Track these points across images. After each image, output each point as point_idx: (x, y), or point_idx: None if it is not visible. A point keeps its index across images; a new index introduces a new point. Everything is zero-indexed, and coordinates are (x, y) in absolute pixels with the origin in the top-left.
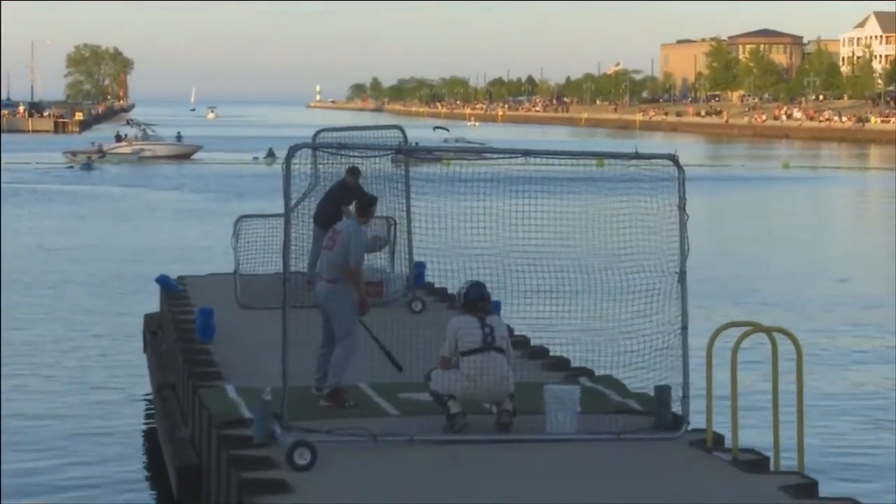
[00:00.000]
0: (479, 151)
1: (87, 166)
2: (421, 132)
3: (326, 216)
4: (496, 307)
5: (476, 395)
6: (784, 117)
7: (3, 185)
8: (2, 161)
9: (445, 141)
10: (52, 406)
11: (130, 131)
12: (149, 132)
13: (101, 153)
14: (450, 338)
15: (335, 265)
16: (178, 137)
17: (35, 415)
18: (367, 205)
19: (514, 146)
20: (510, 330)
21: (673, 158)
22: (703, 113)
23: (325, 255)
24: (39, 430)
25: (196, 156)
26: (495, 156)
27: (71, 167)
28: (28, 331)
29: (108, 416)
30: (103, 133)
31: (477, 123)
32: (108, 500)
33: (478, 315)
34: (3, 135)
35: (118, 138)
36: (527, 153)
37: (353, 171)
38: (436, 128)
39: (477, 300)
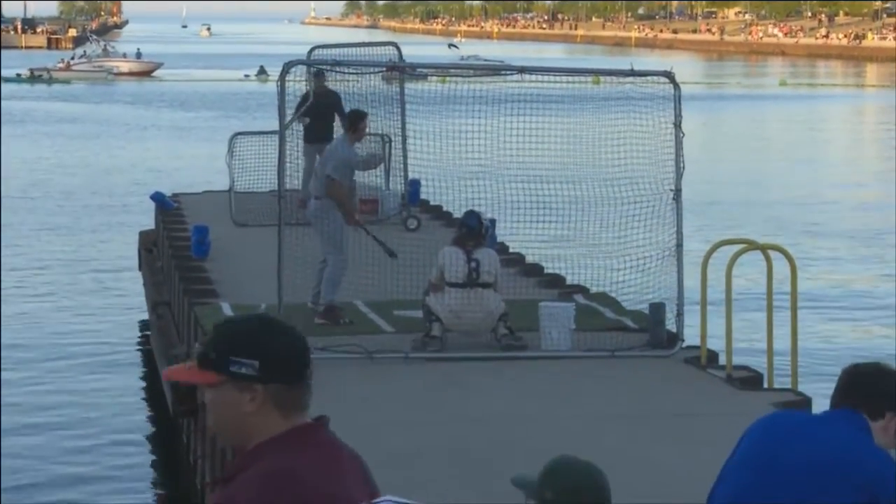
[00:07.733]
0: (475, 68)
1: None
2: (416, 49)
3: (308, 130)
4: (491, 225)
5: (459, 327)
6: (776, 35)
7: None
8: (1, 75)
9: (462, 59)
10: (46, 323)
11: (89, 48)
12: (108, 49)
13: (47, 72)
14: (438, 267)
15: (320, 180)
16: (138, 55)
17: (29, 332)
18: (353, 120)
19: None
20: (505, 248)
21: (669, 75)
22: (713, 30)
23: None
24: (34, 347)
25: (162, 73)
26: (491, 73)
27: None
28: (22, 246)
29: (103, 333)
30: (95, 50)
31: (462, 40)
32: (102, 415)
33: (465, 248)
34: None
35: (82, 56)
36: (522, 70)
37: (317, 75)
38: (450, 45)
39: (465, 235)
